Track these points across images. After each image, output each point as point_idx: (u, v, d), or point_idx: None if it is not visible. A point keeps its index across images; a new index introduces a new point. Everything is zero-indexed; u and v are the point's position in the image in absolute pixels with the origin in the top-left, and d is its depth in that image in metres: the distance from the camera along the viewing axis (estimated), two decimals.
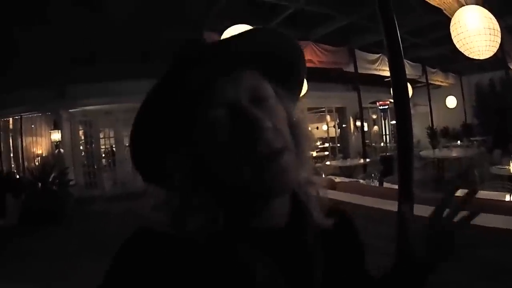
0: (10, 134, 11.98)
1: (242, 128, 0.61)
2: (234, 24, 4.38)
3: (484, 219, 2.33)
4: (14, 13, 6.07)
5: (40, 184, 8.92)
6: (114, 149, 13.03)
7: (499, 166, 6.52)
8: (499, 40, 3.73)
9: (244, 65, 0.66)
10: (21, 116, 11.55)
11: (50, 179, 9.09)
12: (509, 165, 6.10)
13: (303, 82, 0.81)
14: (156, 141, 0.67)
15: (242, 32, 0.65)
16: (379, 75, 11.16)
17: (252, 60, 0.66)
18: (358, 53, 10.47)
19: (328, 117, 16.68)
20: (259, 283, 0.61)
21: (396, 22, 2.08)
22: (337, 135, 17.02)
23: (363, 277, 0.85)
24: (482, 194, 4.24)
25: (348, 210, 0.90)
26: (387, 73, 10.40)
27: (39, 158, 11.72)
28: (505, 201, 3.58)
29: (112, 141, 12.91)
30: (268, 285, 0.62)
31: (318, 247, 0.70)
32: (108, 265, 0.61)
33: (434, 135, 14.41)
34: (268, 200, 0.67)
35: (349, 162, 10.56)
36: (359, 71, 10.56)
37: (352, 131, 16.93)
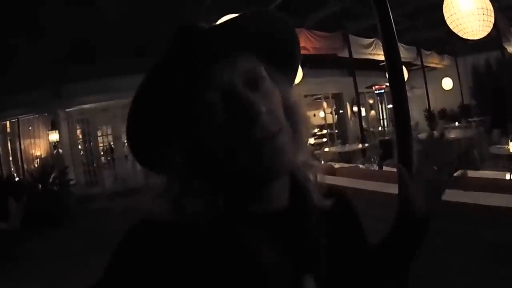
0: (8, 138, 11.98)
1: (237, 112, 0.61)
2: (229, 13, 4.37)
3: (485, 198, 2.35)
4: (8, 17, 6.03)
5: (40, 185, 8.92)
6: (112, 146, 13.03)
7: (498, 146, 6.55)
8: (492, 20, 3.72)
9: (239, 49, 0.65)
10: (18, 118, 11.54)
11: (50, 180, 9.09)
12: (508, 145, 6.12)
13: (298, 65, 0.80)
14: (152, 127, 0.67)
15: (236, 16, 0.64)
16: (374, 60, 11.14)
17: (247, 43, 0.66)
18: (352, 38, 10.42)
19: (324, 104, 16.63)
20: (265, 265, 0.61)
21: (388, 5, 2.07)
22: (335, 121, 16.97)
23: (365, 253, 0.86)
24: (482, 173, 4.26)
25: (345, 191, 0.90)
26: (382, 57, 10.41)
27: (38, 159, 11.73)
28: (505, 179, 3.59)
29: (111, 138, 12.89)
30: (275, 267, 0.62)
31: (319, 228, 0.71)
32: (109, 257, 0.62)
33: (432, 117, 14.42)
34: (266, 183, 0.67)
35: (347, 148, 10.58)
36: (354, 56, 10.53)
37: (349, 116, 16.90)
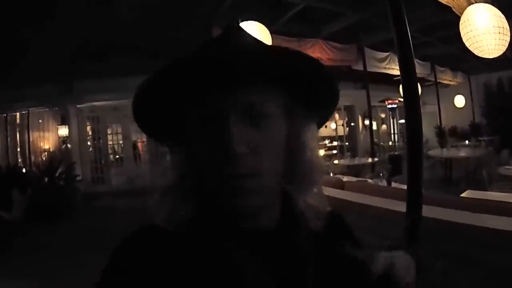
0: (17, 129, 12.05)
1: (216, 144, 0.61)
2: (243, 21, 4.38)
3: (494, 222, 2.31)
4: (23, 9, 6.08)
5: (46, 179, 8.97)
6: (122, 145, 13.09)
7: (506, 167, 6.49)
8: (508, 39, 3.70)
9: (249, 81, 0.63)
10: (28, 111, 11.61)
11: (57, 174, 9.14)
12: None
13: (329, 105, 0.78)
14: (155, 127, 0.73)
15: (260, 46, 0.65)
16: (388, 74, 11.09)
17: (266, 74, 0.63)
18: (367, 51, 10.39)
19: (336, 115, 16.56)
20: (247, 282, 0.61)
21: (406, 19, 2.06)
22: (346, 133, 16.99)
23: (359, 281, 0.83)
24: (490, 195, 4.21)
25: (342, 215, 0.89)
26: (396, 72, 10.34)
27: (46, 153, 11.80)
28: None
29: (120, 137, 12.95)
30: (257, 285, 0.62)
31: (309, 250, 0.70)
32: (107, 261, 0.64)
33: (442, 135, 14.33)
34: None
35: (357, 161, 10.53)
36: (368, 69, 10.49)
37: (360, 129, 16.88)
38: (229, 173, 0.60)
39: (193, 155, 0.66)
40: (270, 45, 0.65)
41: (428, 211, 2.22)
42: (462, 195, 4.01)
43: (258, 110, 0.63)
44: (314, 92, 0.72)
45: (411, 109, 1.87)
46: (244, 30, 0.68)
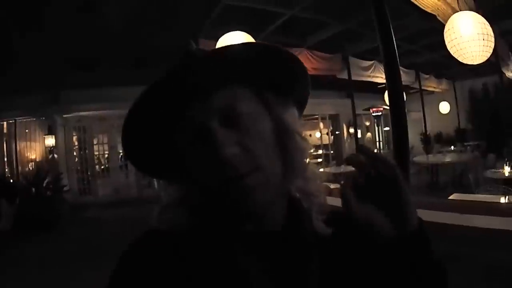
0: (4, 138, 11.86)
1: (207, 152, 0.62)
2: (229, 31, 4.39)
3: (481, 221, 2.34)
4: (11, 18, 6.04)
5: (34, 189, 8.85)
6: (107, 155, 12.98)
7: (493, 170, 6.58)
8: (492, 45, 3.77)
9: (219, 84, 0.66)
10: (15, 120, 11.44)
11: (44, 185, 9.03)
12: (503, 169, 6.19)
13: (303, 86, 0.79)
14: (142, 143, 0.71)
15: (221, 47, 0.65)
16: (372, 82, 11.16)
17: (233, 75, 0.67)
18: (352, 60, 10.46)
19: (321, 124, 16.64)
20: (251, 283, 0.63)
21: (391, 28, 2.09)
22: (330, 142, 17.02)
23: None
24: (478, 197, 4.27)
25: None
26: (380, 80, 10.44)
27: (33, 163, 11.61)
28: (500, 203, 3.61)
29: (106, 147, 12.84)
30: (260, 286, 0.63)
31: (313, 251, 0.70)
32: (114, 265, 0.65)
33: (427, 141, 14.46)
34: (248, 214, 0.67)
35: (343, 169, 10.54)
36: (353, 78, 10.54)
37: (345, 138, 16.94)
38: (229, 176, 0.61)
39: (191, 174, 0.67)
40: (230, 45, 0.65)
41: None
42: (449, 198, 4.05)
43: (235, 110, 0.65)
44: (283, 76, 0.73)
45: (397, 116, 1.89)
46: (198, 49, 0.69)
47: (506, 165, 6.14)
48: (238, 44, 0.66)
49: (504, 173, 6.06)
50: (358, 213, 0.63)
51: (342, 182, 0.75)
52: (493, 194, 4.38)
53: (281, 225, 0.71)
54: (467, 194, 4.68)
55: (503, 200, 3.76)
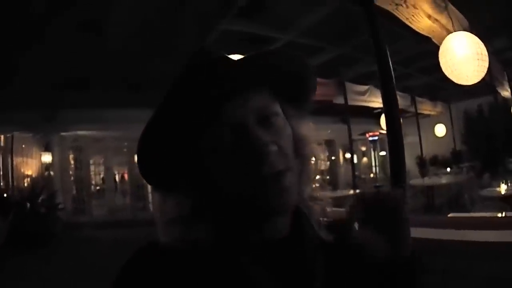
0: (0, 152, 11.80)
1: (247, 149, 0.63)
2: (230, 52, 4.42)
3: (479, 235, 2.35)
4: (11, 36, 6.07)
5: (28, 205, 8.78)
6: (103, 176, 12.94)
7: (489, 189, 6.58)
8: (487, 64, 3.78)
9: (253, 86, 0.67)
10: (12, 135, 11.36)
11: (39, 201, 8.97)
12: (499, 187, 6.19)
13: (311, 99, 0.82)
14: (163, 151, 0.68)
15: (251, 55, 0.67)
16: (368, 106, 11.16)
17: (262, 81, 0.69)
18: (348, 85, 10.45)
19: None
20: None
21: (388, 52, 2.11)
22: (326, 167, 16.98)
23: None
24: (475, 214, 4.29)
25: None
26: (376, 104, 10.45)
27: (28, 178, 11.52)
28: (497, 217, 3.62)
29: (102, 168, 12.82)
30: None
31: (318, 258, 0.71)
32: (107, 284, 0.64)
33: (423, 164, 14.45)
34: (269, 217, 0.69)
35: (339, 193, 10.49)
36: (349, 103, 10.54)
37: (341, 163, 16.98)
38: (268, 172, 0.62)
39: (212, 182, 0.67)
40: (264, 51, 0.68)
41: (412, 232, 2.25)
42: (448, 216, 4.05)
43: (268, 111, 0.68)
44: (300, 87, 0.77)
45: (394, 140, 1.89)
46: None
47: (502, 183, 6.14)
48: (273, 50, 0.71)
49: (500, 191, 6.05)
50: (359, 234, 0.72)
51: (348, 204, 0.83)
52: (490, 212, 4.40)
53: (285, 233, 0.71)
54: (462, 214, 4.70)
55: (499, 215, 3.77)
